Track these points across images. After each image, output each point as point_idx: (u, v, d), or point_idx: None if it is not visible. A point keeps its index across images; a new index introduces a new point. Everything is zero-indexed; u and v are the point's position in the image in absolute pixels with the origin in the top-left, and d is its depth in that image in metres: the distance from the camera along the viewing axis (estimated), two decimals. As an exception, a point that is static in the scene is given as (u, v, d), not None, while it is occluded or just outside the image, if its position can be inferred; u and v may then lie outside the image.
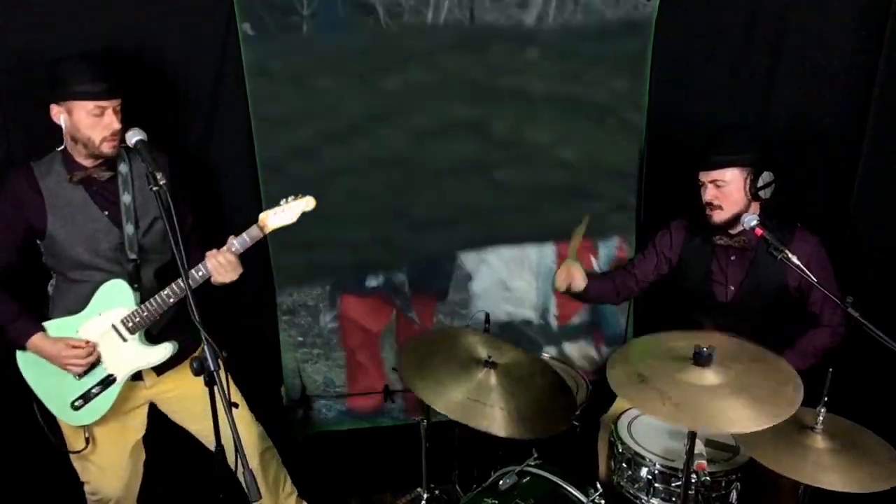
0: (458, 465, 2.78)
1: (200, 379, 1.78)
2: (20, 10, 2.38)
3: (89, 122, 2.09)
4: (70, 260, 2.18)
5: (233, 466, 1.70)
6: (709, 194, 2.43)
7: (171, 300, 2.18)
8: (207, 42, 2.53)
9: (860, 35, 2.64)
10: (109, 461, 2.35)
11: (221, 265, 2.16)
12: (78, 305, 2.20)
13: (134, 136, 2.05)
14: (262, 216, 2.18)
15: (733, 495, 2.13)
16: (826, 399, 1.98)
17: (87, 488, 2.41)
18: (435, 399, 2.14)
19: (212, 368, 1.68)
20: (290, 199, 2.17)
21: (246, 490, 1.60)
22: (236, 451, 1.65)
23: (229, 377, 1.76)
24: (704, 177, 2.43)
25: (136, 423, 2.39)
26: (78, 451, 2.28)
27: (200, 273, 2.17)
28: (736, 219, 2.42)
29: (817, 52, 2.72)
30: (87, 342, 2.17)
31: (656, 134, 2.92)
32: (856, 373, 2.48)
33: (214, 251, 2.18)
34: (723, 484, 2.12)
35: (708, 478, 2.04)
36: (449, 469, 2.79)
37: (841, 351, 2.47)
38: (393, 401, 3.06)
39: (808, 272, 2.09)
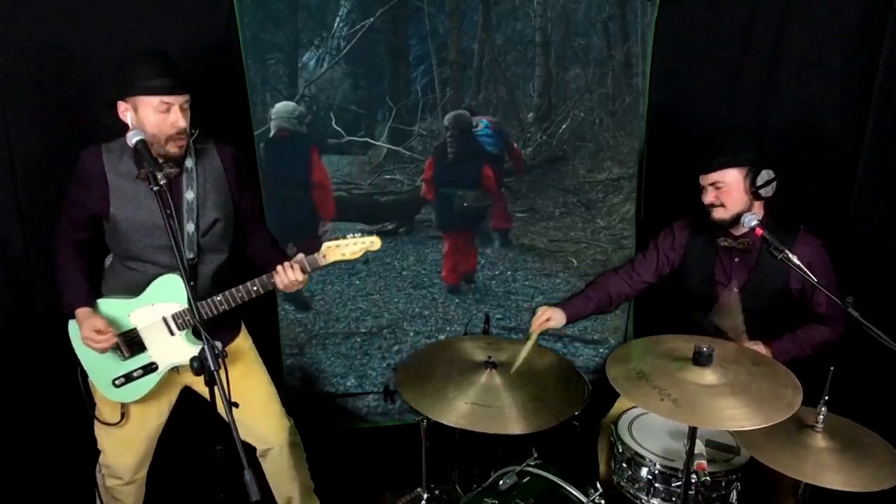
0: (458, 465, 2.78)
1: (233, 370, 1.84)
2: (22, 11, 2.39)
3: (156, 119, 2.08)
4: (126, 249, 2.21)
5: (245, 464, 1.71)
6: (710, 196, 2.43)
7: (223, 307, 2.19)
8: (208, 40, 2.55)
9: (860, 35, 2.65)
10: (131, 437, 2.37)
11: (291, 282, 2.20)
12: (130, 290, 2.23)
13: (134, 137, 2.05)
14: (324, 247, 2.21)
15: (733, 495, 2.13)
16: (826, 398, 1.98)
17: (102, 459, 2.42)
18: (442, 414, 2.14)
19: (212, 368, 1.68)
20: (357, 235, 2.21)
21: (246, 490, 1.60)
22: (236, 450, 1.65)
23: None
24: (704, 180, 2.43)
25: (165, 407, 2.41)
26: (113, 424, 2.31)
27: (257, 288, 2.20)
28: (738, 218, 2.41)
29: (817, 52, 2.72)
30: (109, 328, 2.17)
31: (656, 134, 2.93)
32: (856, 372, 2.47)
33: (286, 265, 2.20)
34: (723, 484, 2.12)
35: (708, 478, 2.04)
36: (449, 469, 2.78)
37: (841, 351, 2.46)
38: (393, 401, 3.06)
39: (808, 272, 2.09)
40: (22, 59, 2.44)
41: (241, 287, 2.20)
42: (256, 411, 2.39)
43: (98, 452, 2.40)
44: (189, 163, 2.22)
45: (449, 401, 2.19)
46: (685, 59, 2.86)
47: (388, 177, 2.88)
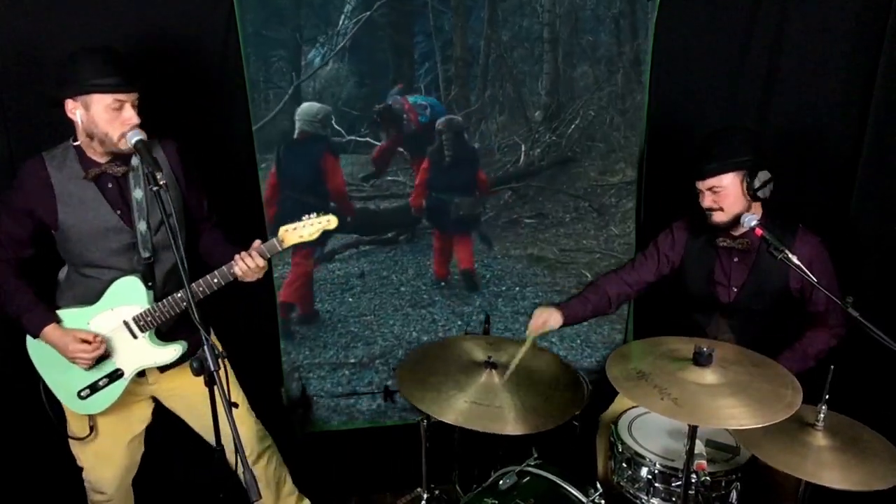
0: (458, 465, 2.78)
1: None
2: (19, 9, 2.38)
3: (108, 116, 2.05)
4: (80, 256, 2.17)
5: (233, 466, 1.70)
6: (707, 201, 2.43)
7: (184, 304, 2.16)
8: (208, 37, 2.55)
9: (860, 35, 2.65)
10: (107, 450, 2.35)
11: (251, 269, 2.16)
12: (88, 297, 2.20)
13: (134, 137, 2.04)
14: (281, 231, 2.18)
15: (733, 495, 2.13)
16: (827, 397, 1.98)
17: (83, 474, 2.41)
18: (442, 412, 2.14)
19: (212, 368, 1.68)
20: (312, 216, 2.18)
21: (246, 489, 1.60)
22: (237, 450, 1.65)
23: (230, 374, 1.75)
24: (701, 185, 2.43)
25: (139, 417, 2.40)
26: (81, 438, 2.29)
27: (217, 280, 2.16)
28: (737, 220, 2.41)
29: (817, 51, 2.72)
30: (96, 337, 2.16)
31: (656, 134, 2.92)
32: (856, 371, 2.48)
33: (244, 254, 2.17)
34: (723, 484, 2.12)
35: (708, 478, 2.04)
36: (449, 469, 2.78)
37: (841, 350, 2.46)
38: (393, 401, 3.06)
39: (808, 272, 2.09)
40: (21, 59, 2.44)
41: (200, 281, 2.16)
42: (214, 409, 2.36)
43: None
44: (135, 160, 2.16)
45: (448, 399, 2.19)
46: (685, 59, 2.85)
47: (390, 178, 2.84)
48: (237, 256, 2.16)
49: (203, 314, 1.77)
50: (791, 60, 2.77)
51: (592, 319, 3.04)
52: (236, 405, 1.75)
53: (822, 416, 1.99)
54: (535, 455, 2.38)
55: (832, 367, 1.98)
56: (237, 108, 2.64)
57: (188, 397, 2.36)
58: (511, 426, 2.10)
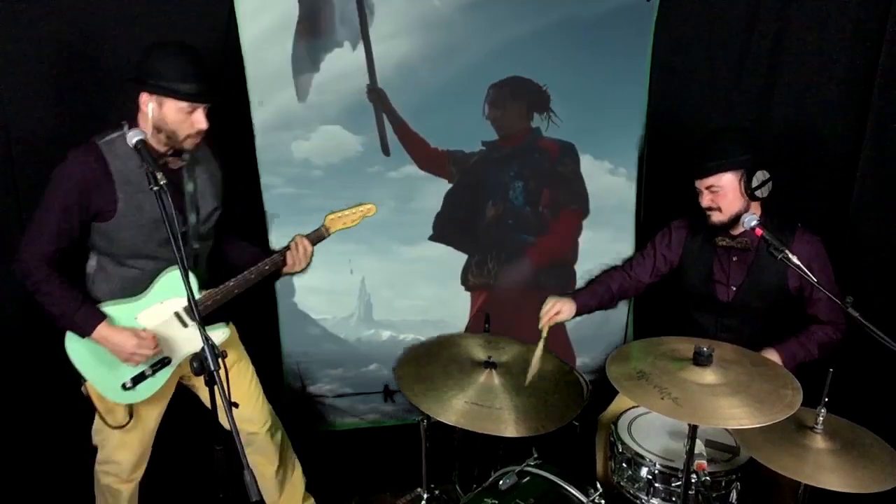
0: (458, 465, 2.78)
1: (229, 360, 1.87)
2: (18, 9, 2.38)
3: (179, 117, 2.09)
4: (130, 247, 2.17)
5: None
6: (706, 200, 2.44)
7: (236, 291, 2.26)
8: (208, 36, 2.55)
9: (860, 35, 2.64)
10: (137, 435, 2.37)
11: (302, 256, 2.32)
12: (128, 290, 2.20)
13: (134, 137, 2.04)
14: (327, 219, 2.38)
15: (733, 495, 2.13)
16: (826, 399, 1.98)
17: (100, 456, 2.40)
18: (440, 411, 2.14)
19: (212, 368, 1.68)
20: (353, 204, 2.38)
21: (247, 489, 1.60)
22: (236, 450, 1.65)
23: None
24: (700, 184, 2.45)
25: (166, 401, 2.42)
26: (122, 426, 2.30)
27: (273, 263, 2.29)
28: (735, 219, 2.43)
29: (817, 52, 2.72)
30: (153, 336, 2.17)
31: (656, 134, 2.93)
32: (856, 373, 2.48)
33: (297, 239, 2.32)
34: (723, 484, 2.12)
35: (708, 478, 2.04)
36: (449, 469, 2.78)
37: (841, 351, 2.47)
38: (393, 401, 3.06)
39: (808, 272, 2.09)
40: (21, 59, 2.44)
41: (252, 269, 2.27)
42: (242, 393, 2.44)
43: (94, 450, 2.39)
44: (186, 156, 2.23)
45: (448, 399, 2.19)
46: (685, 59, 2.85)
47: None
48: (291, 244, 2.31)
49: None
50: (791, 60, 2.77)
51: (592, 319, 3.06)
52: (237, 405, 1.75)
53: (821, 418, 2.00)
54: (535, 455, 2.38)
55: (831, 370, 1.98)
56: (237, 108, 2.64)
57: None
58: (511, 428, 2.10)
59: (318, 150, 2.72)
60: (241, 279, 2.26)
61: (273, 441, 2.58)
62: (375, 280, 2.91)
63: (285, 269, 2.33)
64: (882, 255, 2.66)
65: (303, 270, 2.38)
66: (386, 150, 2.76)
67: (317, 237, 2.36)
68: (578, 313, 2.58)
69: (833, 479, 1.86)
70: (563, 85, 2.82)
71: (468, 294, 3.01)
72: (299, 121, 2.67)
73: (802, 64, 2.75)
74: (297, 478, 2.70)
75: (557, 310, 2.49)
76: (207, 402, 2.36)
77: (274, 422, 2.61)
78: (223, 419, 1.68)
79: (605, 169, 2.93)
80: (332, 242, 2.47)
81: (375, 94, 2.68)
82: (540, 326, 2.45)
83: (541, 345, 2.36)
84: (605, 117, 2.88)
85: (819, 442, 1.98)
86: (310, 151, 2.72)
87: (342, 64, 2.64)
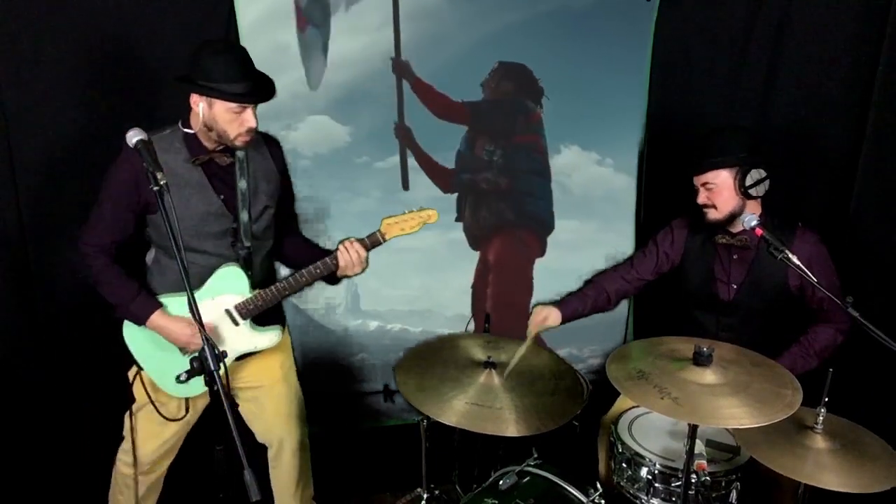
0: (458, 465, 2.78)
1: (269, 362, 1.98)
2: (18, 9, 2.38)
3: (228, 117, 2.10)
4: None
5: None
6: (701, 197, 2.47)
7: (287, 293, 2.25)
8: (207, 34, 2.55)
9: (860, 35, 2.65)
10: (172, 427, 2.37)
11: (354, 261, 2.25)
12: (180, 283, 2.17)
13: (135, 137, 2.03)
14: (384, 224, 2.27)
15: (733, 495, 2.13)
16: (826, 399, 1.98)
17: (125, 445, 2.39)
18: (440, 412, 2.14)
19: (212, 368, 1.68)
20: (414, 209, 2.27)
21: (247, 489, 1.60)
22: (236, 450, 1.65)
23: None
24: (696, 181, 2.47)
25: (203, 403, 2.39)
26: (179, 419, 2.32)
27: (325, 266, 2.24)
28: (731, 217, 2.44)
29: (817, 51, 2.72)
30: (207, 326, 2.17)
31: (656, 134, 2.93)
32: (856, 373, 2.48)
33: (347, 243, 2.25)
34: (723, 484, 2.12)
35: (708, 478, 2.04)
36: (449, 469, 2.79)
37: (841, 351, 2.47)
38: (393, 401, 3.06)
39: (808, 272, 2.09)
40: (22, 59, 2.44)
41: (303, 271, 2.24)
42: (276, 408, 2.44)
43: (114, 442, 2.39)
44: (240, 154, 2.23)
45: (448, 400, 2.19)
46: (685, 59, 2.86)
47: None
48: (341, 246, 2.25)
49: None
50: (791, 60, 2.77)
51: (592, 319, 3.06)
52: (236, 405, 1.75)
53: (821, 418, 1.99)
54: (535, 455, 2.39)
55: (831, 370, 1.98)
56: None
57: (253, 386, 2.41)
58: (511, 428, 2.10)
59: (306, 140, 2.73)
60: (292, 281, 2.24)
61: (295, 457, 2.54)
62: None
63: (339, 273, 2.29)
64: (882, 255, 2.66)
65: (358, 274, 2.32)
66: (406, 183, 2.84)
67: (372, 242, 2.28)
68: (566, 320, 2.59)
69: (833, 479, 1.86)
70: (563, 85, 2.82)
71: (456, 284, 3.01)
72: (287, 111, 2.68)
73: (802, 64, 2.76)
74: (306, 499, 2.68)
75: (544, 316, 2.55)
76: (244, 411, 2.43)
77: (307, 445, 2.58)
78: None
79: (605, 165, 2.94)
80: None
81: (400, 65, 2.71)
82: (528, 332, 2.51)
83: (524, 346, 2.42)
84: (604, 117, 2.89)
85: (819, 442, 1.98)
86: (298, 141, 2.73)
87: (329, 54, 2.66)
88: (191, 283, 2.13)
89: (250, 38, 2.57)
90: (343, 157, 2.75)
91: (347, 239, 2.26)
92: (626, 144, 2.92)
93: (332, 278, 2.31)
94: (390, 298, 2.98)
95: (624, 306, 3.09)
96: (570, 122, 2.87)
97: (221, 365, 1.69)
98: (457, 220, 2.95)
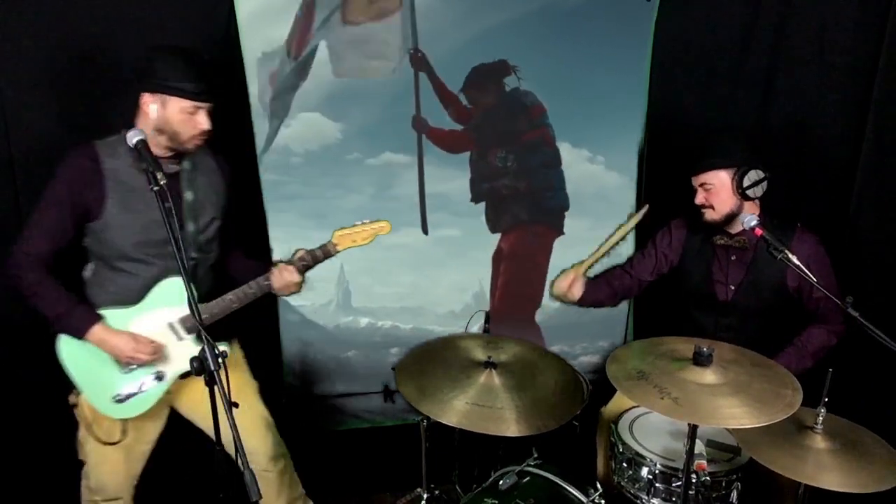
0: (458, 465, 2.78)
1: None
2: (18, 9, 2.38)
3: (182, 118, 2.08)
4: (118, 248, 2.14)
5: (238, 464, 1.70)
6: (699, 197, 2.48)
7: (235, 305, 2.21)
8: (208, 35, 2.55)
9: (860, 35, 2.65)
10: (128, 455, 2.32)
11: (287, 284, 2.23)
12: (123, 296, 2.16)
13: (134, 137, 2.03)
14: (336, 235, 2.25)
15: (733, 495, 2.13)
16: (826, 399, 1.98)
17: (84, 471, 2.36)
18: (440, 412, 2.13)
19: (212, 368, 1.68)
20: (366, 220, 2.25)
21: (247, 489, 1.60)
22: (237, 450, 1.65)
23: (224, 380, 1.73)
24: (694, 181, 2.49)
25: (157, 425, 2.36)
26: (113, 443, 2.25)
27: (264, 284, 2.21)
28: (729, 218, 2.45)
29: (817, 52, 2.72)
30: (150, 340, 2.14)
31: (656, 134, 2.93)
32: (856, 373, 2.48)
33: (282, 266, 2.22)
34: (723, 484, 2.12)
35: (708, 478, 2.04)
36: (449, 469, 2.79)
37: (841, 351, 2.47)
38: (393, 401, 3.06)
39: (807, 272, 2.09)
40: (21, 59, 2.44)
41: (238, 290, 2.20)
42: (245, 425, 2.28)
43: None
44: (186, 164, 2.21)
45: (448, 400, 2.18)
46: (685, 59, 2.86)
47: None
48: (275, 269, 2.21)
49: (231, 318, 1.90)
50: (791, 60, 2.77)
51: (589, 318, 3.07)
52: (236, 405, 1.75)
53: (821, 418, 1.99)
54: (535, 455, 2.39)
55: (830, 370, 1.98)
56: (237, 111, 2.64)
57: (208, 405, 2.35)
58: (511, 428, 2.10)
59: (298, 137, 2.72)
60: (240, 293, 2.21)
61: (279, 474, 2.49)
62: (354, 267, 2.90)
63: (275, 293, 2.25)
64: (882, 255, 2.66)
65: (294, 293, 2.31)
66: (425, 227, 2.89)
67: (325, 254, 2.26)
68: (583, 300, 2.69)
69: (833, 479, 1.86)
70: (562, 84, 2.82)
71: (447, 281, 3.02)
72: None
73: (802, 64, 2.75)
74: None
75: (571, 281, 2.65)
76: (207, 431, 2.32)
77: (280, 454, 2.50)
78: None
79: (596, 163, 2.94)
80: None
81: (417, 57, 2.70)
82: (553, 293, 2.72)
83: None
84: (604, 116, 2.88)
85: (819, 442, 1.98)
86: (289, 138, 2.72)
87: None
88: (133, 294, 2.15)
89: (249, 35, 2.57)
90: (334, 154, 2.75)
91: (294, 256, 2.24)
92: (621, 143, 2.92)
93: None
94: (381, 295, 2.97)
95: (624, 306, 3.08)
96: (565, 119, 2.86)
97: (222, 364, 1.70)
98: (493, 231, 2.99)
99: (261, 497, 1.58)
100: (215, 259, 2.32)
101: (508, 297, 3.04)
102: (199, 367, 1.68)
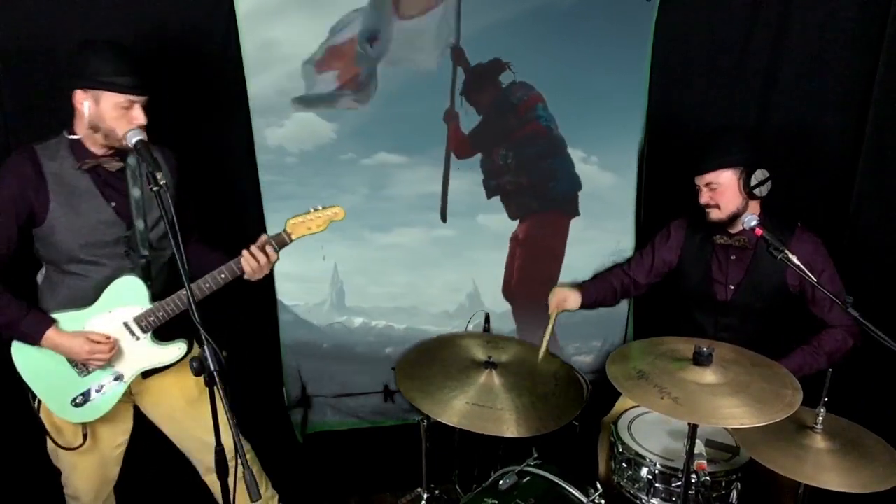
0: (458, 465, 2.78)
1: (185, 381, 1.78)
2: (18, 5, 2.38)
3: (116, 114, 2.04)
4: (66, 251, 2.09)
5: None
6: (704, 197, 2.46)
7: (208, 291, 2.14)
8: (207, 35, 2.54)
9: (860, 35, 2.65)
10: (98, 459, 2.29)
11: (260, 265, 2.15)
12: (77, 299, 2.13)
13: (134, 137, 2.03)
14: (289, 224, 2.20)
15: (733, 495, 2.13)
16: (826, 399, 1.98)
17: (62, 479, 2.35)
18: (440, 412, 2.14)
19: (212, 368, 1.68)
20: (319, 207, 2.20)
21: (247, 489, 1.60)
22: (236, 451, 1.65)
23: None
24: (699, 181, 2.47)
25: (123, 428, 2.33)
26: (74, 448, 2.21)
27: (224, 275, 2.14)
28: (734, 217, 2.44)
29: (817, 52, 2.72)
30: (108, 337, 2.10)
31: (656, 134, 2.93)
32: (856, 373, 2.48)
33: (253, 249, 2.15)
34: (723, 484, 2.12)
35: (708, 478, 2.04)
36: (449, 469, 2.79)
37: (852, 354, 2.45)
38: (393, 401, 3.06)
39: (807, 272, 2.09)
40: (20, 56, 2.43)
41: (207, 277, 2.12)
42: (201, 429, 2.09)
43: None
44: (132, 160, 2.15)
45: (448, 400, 2.19)
46: (685, 60, 2.86)
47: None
48: (245, 252, 2.15)
49: (203, 314, 1.73)
50: (791, 60, 2.77)
51: (587, 317, 3.06)
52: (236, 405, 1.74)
53: (820, 418, 2.00)
54: (535, 455, 2.39)
55: (830, 370, 1.99)
56: (237, 111, 2.64)
57: (169, 406, 2.32)
58: (511, 428, 2.10)
59: (292, 137, 2.72)
60: (195, 289, 2.10)
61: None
62: (348, 267, 2.90)
63: (246, 277, 2.18)
64: (882, 254, 2.67)
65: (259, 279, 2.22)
66: (444, 216, 2.90)
67: (278, 243, 2.19)
68: (583, 305, 2.67)
69: (833, 479, 1.86)
70: (563, 84, 2.82)
71: (441, 281, 3.02)
72: (273, 107, 2.67)
73: (802, 64, 2.76)
74: None
75: (563, 297, 2.63)
76: (167, 432, 2.33)
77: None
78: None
79: (590, 163, 2.94)
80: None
81: (458, 51, 2.72)
82: (549, 312, 2.60)
83: (549, 327, 2.51)
84: (604, 116, 2.88)
85: (819, 442, 1.98)
86: (283, 138, 2.71)
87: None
88: (86, 296, 2.09)
89: (249, 33, 2.56)
90: (328, 154, 2.75)
91: (254, 244, 2.17)
92: (621, 143, 2.92)
93: (243, 280, 2.19)
94: (375, 295, 2.97)
95: (624, 306, 3.08)
96: (565, 119, 2.86)
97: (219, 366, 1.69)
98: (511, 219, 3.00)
99: (260, 497, 1.58)
100: (170, 256, 2.22)
101: (525, 281, 3.05)
102: (199, 367, 1.68)
